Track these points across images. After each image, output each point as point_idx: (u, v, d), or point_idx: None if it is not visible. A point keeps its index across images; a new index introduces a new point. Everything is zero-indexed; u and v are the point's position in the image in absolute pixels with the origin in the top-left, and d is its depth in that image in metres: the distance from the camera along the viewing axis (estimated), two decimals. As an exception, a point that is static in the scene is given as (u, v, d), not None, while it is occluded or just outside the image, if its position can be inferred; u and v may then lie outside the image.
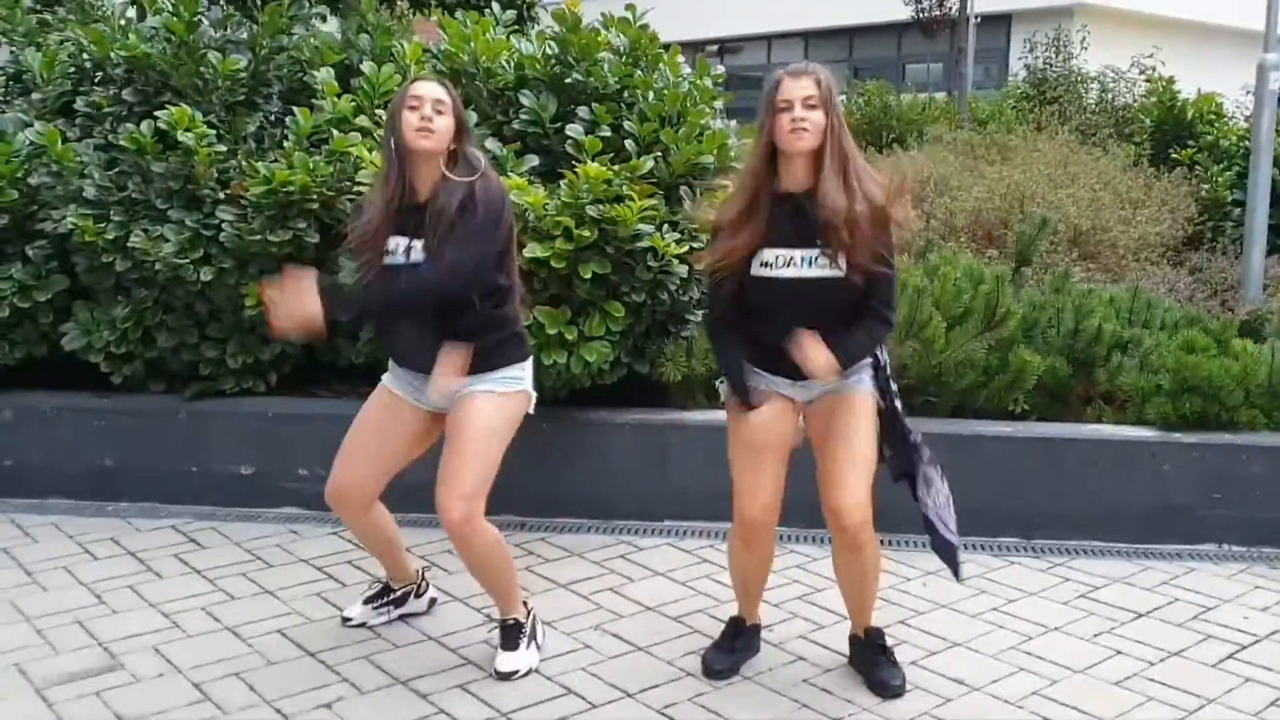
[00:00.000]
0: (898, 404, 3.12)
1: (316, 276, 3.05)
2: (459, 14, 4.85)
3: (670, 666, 3.30)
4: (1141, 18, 17.93)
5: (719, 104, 4.64)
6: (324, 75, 4.62)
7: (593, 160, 4.12)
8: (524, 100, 4.41)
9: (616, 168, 4.13)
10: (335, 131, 4.41)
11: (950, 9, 13.86)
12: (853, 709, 3.08)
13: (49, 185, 4.54)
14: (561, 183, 4.13)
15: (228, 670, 3.24)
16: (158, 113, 4.40)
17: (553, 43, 4.55)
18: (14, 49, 5.23)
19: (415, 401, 3.22)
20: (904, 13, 13.83)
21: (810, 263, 2.90)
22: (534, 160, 4.32)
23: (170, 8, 4.67)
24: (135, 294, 4.50)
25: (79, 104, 4.78)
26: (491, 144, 4.29)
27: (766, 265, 2.93)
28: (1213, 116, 8.18)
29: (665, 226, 4.17)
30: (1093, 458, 4.30)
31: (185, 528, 4.35)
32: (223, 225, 4.31)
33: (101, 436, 4.63)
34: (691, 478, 4.33)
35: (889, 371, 3.11)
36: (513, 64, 4.56)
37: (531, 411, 3.23)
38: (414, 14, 7.07)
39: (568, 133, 4.26)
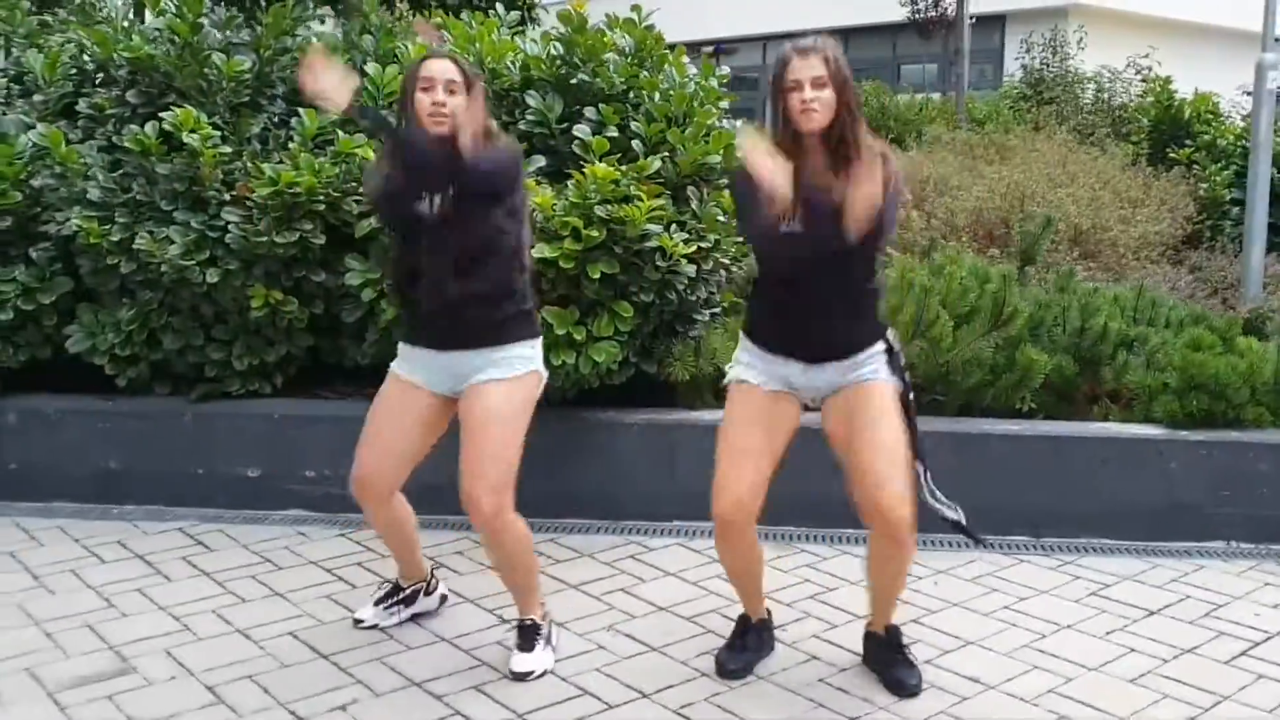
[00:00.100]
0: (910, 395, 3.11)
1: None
2: (464, 15, 4.83)
3: (685, 667, 3.29)
4: (1136, 18, 17.99)
5: (725, 104, 4.63)
6: (329, 76, 4.60)
7: (600, 161, 4.12)
8: (530, 101, 4.41)
9: (624, 168, 4.13)
10: (340, 133, 4.40)
11: (946, 10, 13.89)
12: (869, 708, 3.08)
13: (52, 187, 4.52)
14: (569, 183, 4.13)
15: (240, 673, 3.22)
16: (162, 114, 4.39)
17: (558, 43, 4.55)
18: (16, 50, 5.21)
19: (426, 385, 3.20)
20: (899, 14, 13.87)
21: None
22: (541, 161, 4.32)
23: (174, 9, 4.65)
24: (140, 296, 4.48)
25: (81, 106, 4.77)
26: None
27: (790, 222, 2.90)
28: (1210, 116, 8.20)
29: (673, 226, 4.17)
30: (1100, 456, 4.30)
31: (192, 530, 4.33)
32: (228, 227, 4.30)
33: (107, 439, 4.61)
34: (700, 478, 4.23)
35: (902, 360, 3.09)
36: (518, 65, 4.56)
37: (544, 375, 3.23)
38: (414, 15, 7.06)
39: (575, 133, 4.26)
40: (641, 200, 4.02)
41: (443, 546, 4.12)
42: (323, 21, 5.39)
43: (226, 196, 4.34)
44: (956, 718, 3.04)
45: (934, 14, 14.05)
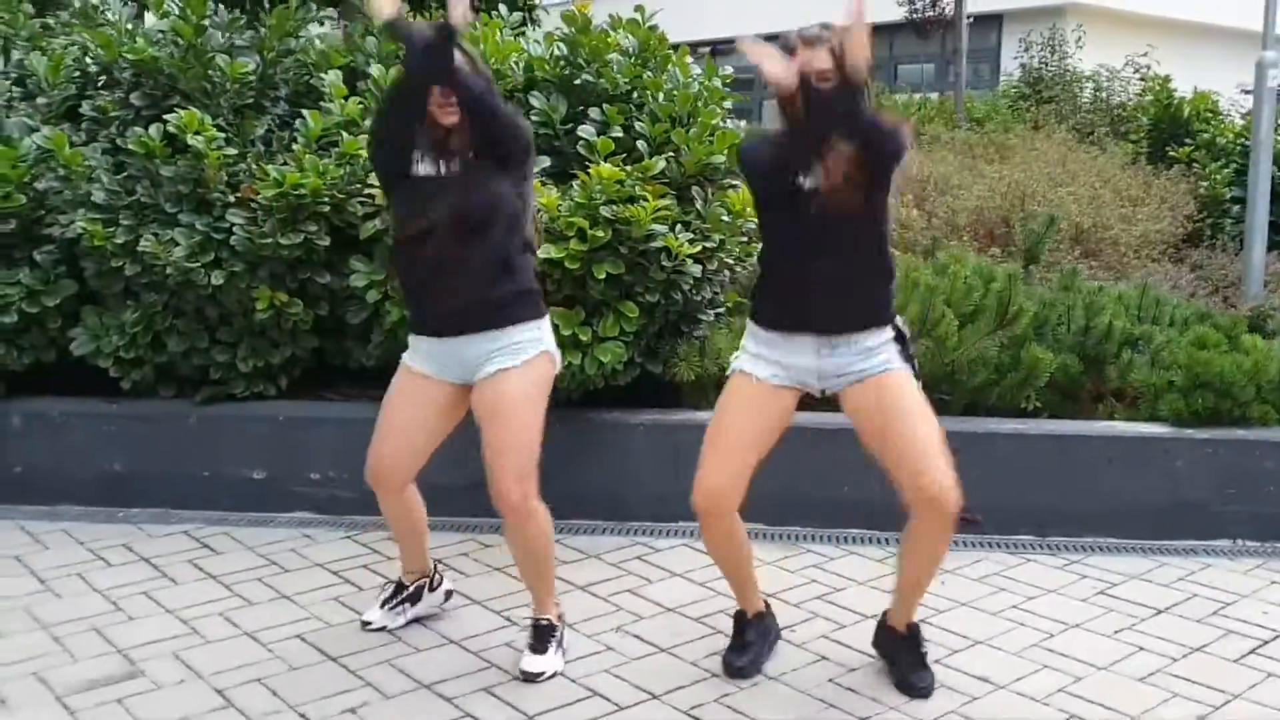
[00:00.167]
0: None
1: None
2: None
3: (694, 668, 3.29)
4: (1133, 17, 18.01)
5: (729, 104, 4.63)
6: (332, 78, 4.61)
7: (605, 161, 4.12)
8: (534, 102, 4.41)
9: (629, 168, 4.13)
10: (345, 134, 4.40)
11: (944, 9, 13.89)
12: (880, 708, 3.08)
13: (56, 190, 4.51)
14: (574, 183, 4.13)
15: (249, 676, 3.22)
16: (166, 116, 4.38)
17: (562, 44, 4.55)
18: (18, 53, 5.20)
19: (438, 375, 3.20)
20: (897, 13, 13.86)
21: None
22: (545, 161, 4.31)
23: (177, 11, 4.65)
24: (145, 298, 4.48)
25: (84, 108, 4.76)
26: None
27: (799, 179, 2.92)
28: (1209, 114, 8.21)
29: (678, 227, 4.17)
30: (1106, 455, 4.31)
31: (197, 533, 4.32)
32: (233, 229, 4.29)
33: (111, 442, 4.60)
34: None
35: (912, 348, 3.07)
36: (522, 66, 4.56)
37: (558, 368, 3.23)
38: (414, 16, 7.05)
39: (580, 134, 4.26)
40: (647, 200, 4.02)
41: (449, 548, 4.12)
42: (322, 23, 5.38)
43: (231, 198, 4.34)
44: (967, 717, 3.04)
45: (932, 13, 14.05)
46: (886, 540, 4.24)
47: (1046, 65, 10.38)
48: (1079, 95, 9.75)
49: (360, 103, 4.54)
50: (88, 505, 4.57)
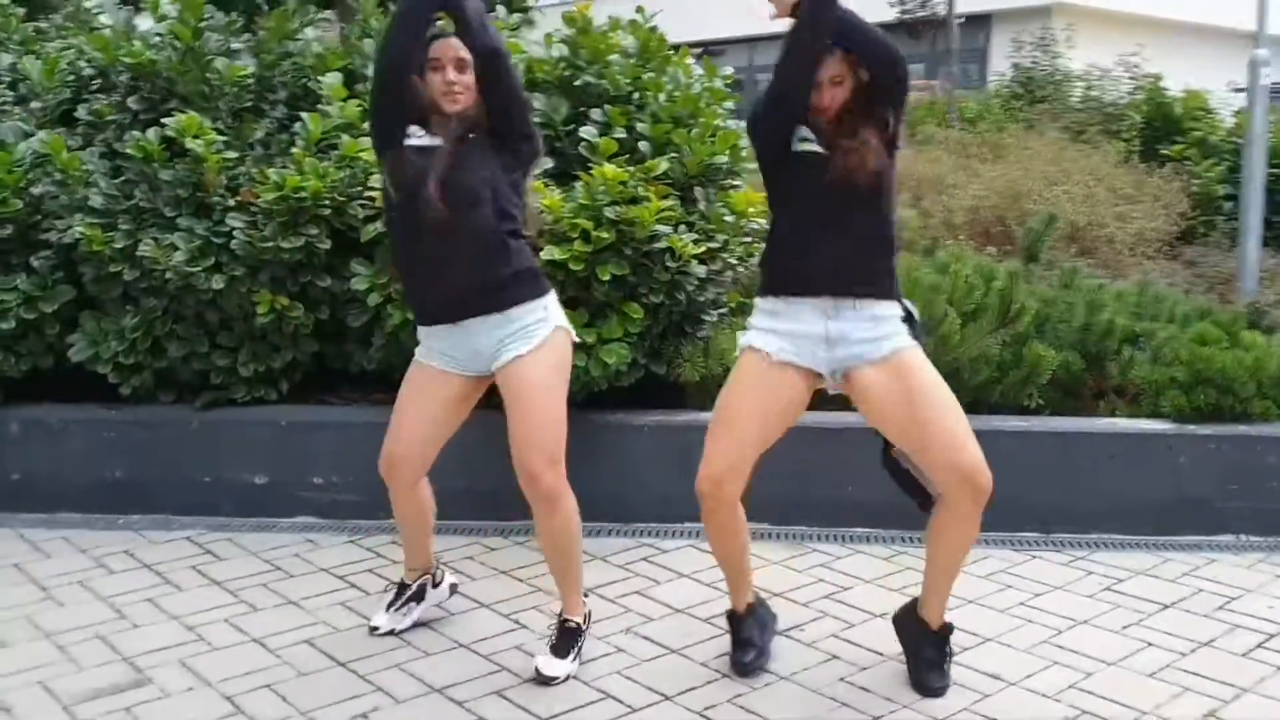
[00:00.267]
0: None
1: None
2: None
3: (705, 668, 3.28)
4: (1120, 17, 18.09)
5: (730, 104, 4.63)
6: (331, 80, 4.59)
7: (607, 162, 4.11)
8: (535, 103, 4.39)
9: (631, 169, 4.12)
10: (345, 136, 4.38)
11: (935, 9, 13.94)
12: (893, 706, 3.07)
13: (53, 194, 4.49)
14: (577, 184, 4.12)
15: (258, 682, 3.19)
16: (164, 120, 4.36)
17: (562, 45, 4.54)
18: (11, 57, 5.16)
19: (449, 367, 3.19)
20: (887, 14, 13.89)
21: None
22: (548, 163, 4.30)
23: (175, 14, 4.62)
24: (144, 303, 4.45)
25: (80, 112, 4.73)
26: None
27: (803, 140, 2.95)
28: (1201, 113, 8.24)
29: (682, 227, 4.16)
30: (1109, 451, 4.32)
31: (200, 539, 4.30)
32: (234, 233, 4.27)
33: (111, 448, 4.57)
34: None
35: (918, 330, 3.05)
36: (522, 67, 4.54)
37: (575, 339, 3.25)
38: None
39: (582, 135, 4.25)
40: (650, 201, 4.01)
41: (454, 552, 4.10)
42: (315, 26, 5.35)
43: (231, 202, 4.31)
44: (980, 715, 3.04)
45: (923, 14, 14.09)
46: (891, 539, 4.24)
47: (1038, 65, 10.42)
48: (1069, 95, 9.78)
49: (359, 105, 4.53)
50: (87, 512, 4.54)
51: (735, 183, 4.41)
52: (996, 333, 4.44)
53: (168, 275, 4.26)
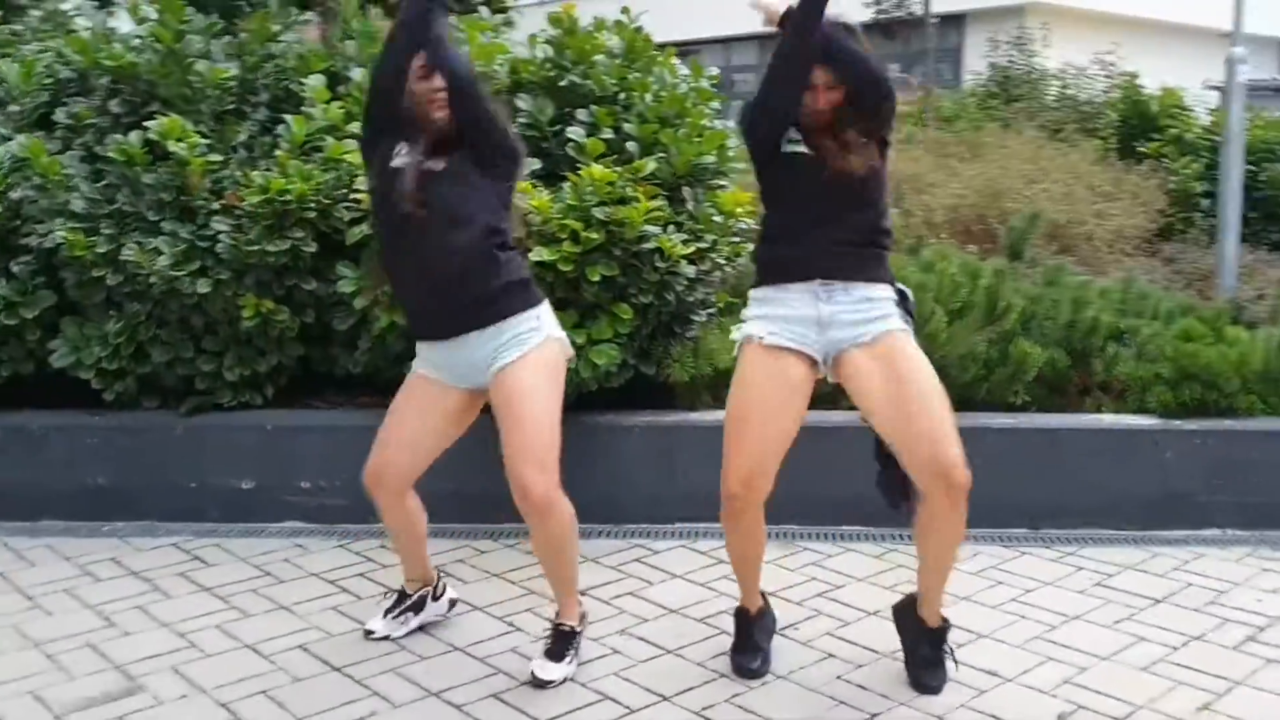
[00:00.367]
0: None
1: None
2: (455, 20, 4.79)
3: (702, 668, 3.28)
4: (1094, 16, 18.24)
5: (716, 105, 4.63)
6: (314, 82, 4.56)
7: (594, 163, 4.10)
8: (521, 104, 4.38)
9: (619, 169, 4.11)
10: (329, 138, 4.36)
11: (911, 9, 14.01)
12: (889, 704, 3.08)
13: (32, 199, 4.43)
14: (565, 185, 4.11)
15: (253, 689, 3.17)
16: (147, 123, 4.32)
17: (547, 45, 4.53)
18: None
19: (448, 380, 3.18)
20: (862, 14, 13.95)
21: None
22: (535, 164, 4.29)
23: (155, 16, 4.58)
24: (127, 308, 4.40)
25: (59, 115, 4.68)
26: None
27: (791, 141, 2.95)
28: (1177, 110, 8.31)
29: (670, 227, 4.16)
30: (1096, 447, 4.35)
31: (187, 545, 4.26)
32: (218, 236, 4.24)
33: (95, 455, 4.52)
34: (702, 479, 4.25)
35: (911, 308, 3.06)
36: (506, 68, 4.53)
37: (570, 355, 3.22)
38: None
39: (569, 135, 4.23)
40: (639, 202, 4.01)
41: (445, 555, 4.08)
42: (294, 29, 5.30)
43: (215, 206, 4.28)
44: (977, 711, 3.05)
45: (899, 14, 14.16)
46: (881, 537, 4.25)
47: (1014, 64, 10.48)
48: (1045, 93, 9.84)
49: (342, 107, 4.50)
50: (70, 520, 4.49)
51: (722, 183, 4.41)
52: (983, 330, 4.46)
53: (152, 280, 4.22)
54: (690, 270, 4.20)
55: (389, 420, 3.26)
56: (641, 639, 3.47)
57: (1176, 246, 7.10)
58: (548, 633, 3.27)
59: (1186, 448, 4.31)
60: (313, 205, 4.23)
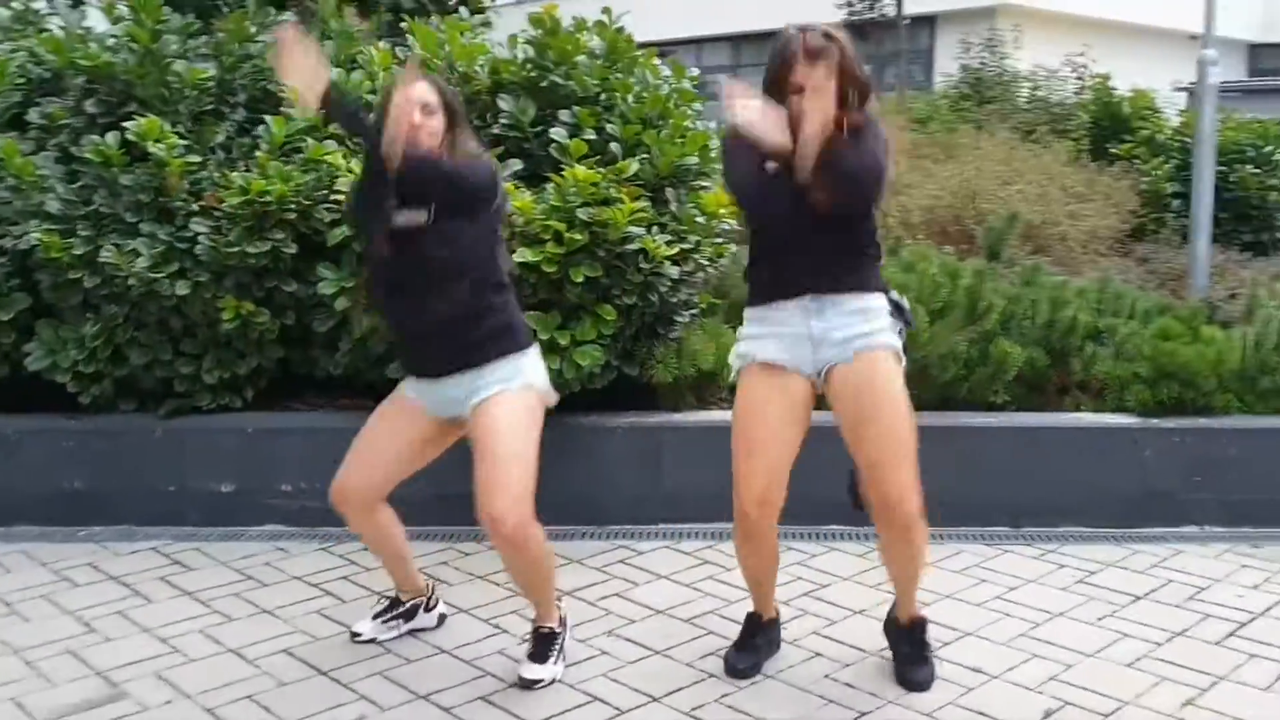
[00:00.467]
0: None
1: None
2: (434, 20, 4.78)
3: (691, 669, 3.28)
4: (1064, 18, 18.39)
5: (698, 106, 4.63)
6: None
7: (578, 164, 4.10)
8: (503, 105, 4.37)
9: (603, 170, 4.11)
10: (309, 139, 4.33)
11: (884, 10, 14.08)
12: (878, 702, 3.09)
13: (5, 200, 4.38)
14: (548, 186, 4.10)
15: (239, 693, 3.14)
16: (125, 124, 4.27)
17: (528, 46, 4.51)
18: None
19: (429, 409, 3.16)
20: (835, 15, 14.01)
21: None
22: (517, 165, 4.28)
23: (128, 14, 4.53)
24: (104, 311, 4.35)
25: (32, 116, 4.62)
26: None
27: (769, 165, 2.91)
28: (1148, 112, 8.39)
29: (654, 229, 4.16)
30: (1076, 446, 4.38)
31: (167, 549, 4.22)
32: (198, 238, 4.20)
33: (71, 458, 4.47)
34: (686, 479, 4.32)
35: (907, 317, 3.05)
36: (487, 69, 4.51)
37: (550, 402, 3.20)
38: (362, 21, 6.95)
39: (552, 136, 4.22)
40: (623, 203, 4.01)
41: (428, 558, 4.05)
42: (270, 30, 5.24)
43: (194, 207, 4.24)
44: (965, 708, 3.06)
45: (871, 15, 14.23)
46: (865, 536, 4.23)
47: (986, 65, 10.55)
48: (1017, 95, 9.91)
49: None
50: (45, 525, 4.43)
51: (705, 184, 4.41)
52: (964, 330, 4.49)
53: (130, 282, 4.17)
54: (674, 271, 4.21)
55: (363, 434, 3.24)
56: (629, 640, 3.47)
57: (1149, 247, 7.16)
58: (528, 637, 3.27)
59: (1165, 446, 4.35)
60: (293, 206, 4.20)
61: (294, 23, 2.92)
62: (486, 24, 6.64)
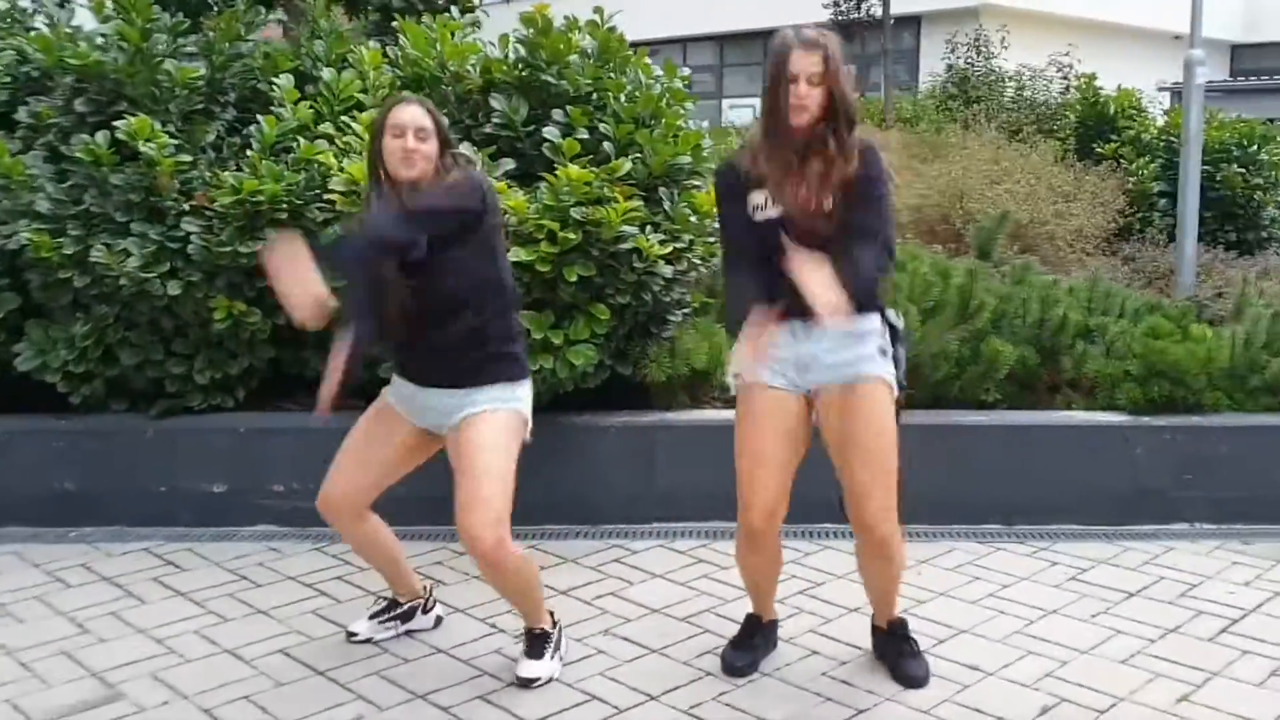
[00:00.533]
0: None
1: (304, 242, 2.89)
2: (425, 19, 4.76)
3: (688, 667, 3.28)
4: (1048, 18, 18.46)
5: (691, 105, 4.63)
6: (284, 82, 4.52)
7: (571, 163, 4.09)
8: (495, 104, 4.36)
9: (596, 169, 4.11)
10: (301, 139, 4.31)
11: (870, 10, 14.11)
12: (875, 699, 3.10)
13: (-6, 200, 4.35)
14: (541, 185, 4.10)
15: (236, 694, 3.13)
16: (115, 123, 4.25)
17: (519, 45, 4.51)
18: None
19: (410, 417, 3.17)
20: (821, 15, 14.04)
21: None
22: (509, 164, 4.27)
23: (117, 13, 4.51)
24: (95, 310, 4.33)
25: (20, 115, 4.59)
26: (465, 148, 4.23)
27: (756, 208, 2.93)
28: (1133, 111, 8.44)
29: (648, 228, 4.16)
30: (1067, 443, 4.41)
31: (159, 550, 4.20)
32: (189, 237, 4.18)
33: (62, 459, 4.45)
34: (679, 478, 4.32)
35: (901, 343, 3.05)
36: (478, 68, 4.50)
37: (528, 439, 3.16)
38: (350, 19, 6.93)
39: (545, 135, 4.22)
40: (616, 202, 4.01)
41: (422, 558, 4.05)
42: (258, 29, 5.22)
43: (185, 206, 4.22)
44: (962, 705, 3.08)
45: (858, 15, 14.26)
46: (858, 534, 4.27)
47: (973, 65, 10.60)
48: (1002, 95, 9.97)
49: (312, 107, 4.46)
50: (36, 525, 4.41)
51: (698, 183, 4.42)
52: (955, 329, 4.50)
53: (121, 281, 4.15)
54: (667, 270, 4.21)
55: (345, 444, 3.24)
56: (625, 639, 3.47)
57: (1135, 246, 7.21)
58: (521, 637, 3.27)
59: (1156, 443, 4.38)
60: (285, 206, 4.18)
61: (280, 234, 2.91)
62: (475, 24, 6.62)
